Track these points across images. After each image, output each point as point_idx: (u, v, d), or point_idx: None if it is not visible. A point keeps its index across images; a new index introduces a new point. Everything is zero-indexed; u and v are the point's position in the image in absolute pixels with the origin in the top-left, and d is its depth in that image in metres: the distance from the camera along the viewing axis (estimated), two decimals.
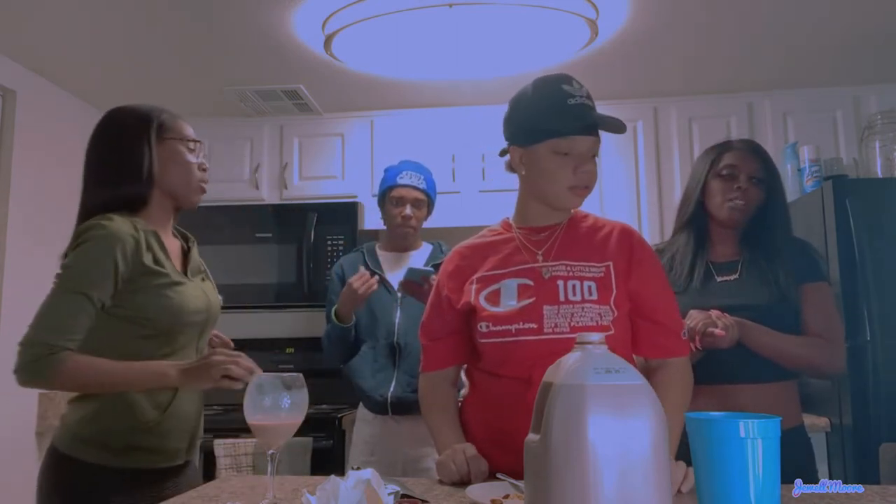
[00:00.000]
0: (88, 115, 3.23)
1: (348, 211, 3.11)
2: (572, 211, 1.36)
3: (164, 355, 1.28)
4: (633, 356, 1.29)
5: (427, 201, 2.16)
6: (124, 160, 1.33)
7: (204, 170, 1.41)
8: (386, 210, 2.18)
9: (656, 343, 1.27)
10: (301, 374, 1.06)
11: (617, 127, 1.24)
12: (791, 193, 2.87)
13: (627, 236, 1.31)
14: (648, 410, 0.69)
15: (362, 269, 2.09)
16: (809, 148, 2.83)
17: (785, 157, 2.94)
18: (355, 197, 3.23)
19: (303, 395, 1.04)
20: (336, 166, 3.29)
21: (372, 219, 3.11)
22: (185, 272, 1.37)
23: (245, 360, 1.19)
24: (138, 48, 2.64)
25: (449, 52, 2.67)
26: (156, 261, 1.30)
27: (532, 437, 0.74)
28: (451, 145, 3.14)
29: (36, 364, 1.17)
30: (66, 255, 1.27)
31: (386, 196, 2.17)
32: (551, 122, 1.23)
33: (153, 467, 1.28)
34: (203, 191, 1.41)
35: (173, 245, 1.41)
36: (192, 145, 1.39)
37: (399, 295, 2.13)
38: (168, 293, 1.28)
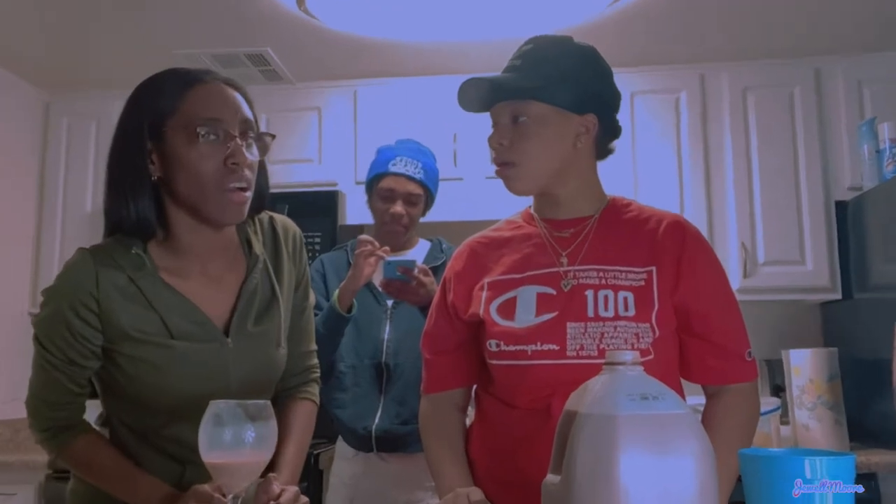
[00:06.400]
0: (24, 93, 3.26)
1: (326, 202, 3.11)
2: (609, 197, 1.36)
3: (168, 428, 1.24)
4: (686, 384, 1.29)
5: (424, 195, 2.15)
6: (122, 166, 1.21)
7: (237, 164, 1.17)
8: (373, 203, 2.17)
9: (710, 365, 1.27)
10: (269, 403, 1.06)
11: (505, 90, 1.27)
12: (868, 180, 2.88)
13: (678, 232, 1.30)
14: (693, 446, 0.69)
15: (360, 237, 2.04)
16: (890, 125, 2.82)
17: (861, 137, 2.93)
18: (335, 185, 3.23)
19: (270, 428, 1.04)
20: (311, 147, 3.29)
21: (355, 211, 3.10)
22: (225, 328, 1.25)
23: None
24: (75, 8, 2.63)
25: (449, 7, 2.66)
26: (136, 317, 1.19)
27: (551, 478, 0.74)
28: (452, 122, 3.12)
29: (47, 443, 1.26)
30: None
31: (374, 186, 2.16)
32: None
33: None
34: (238, 200, 1.18)
35: (211, 291, 1.26)
36: (203, 130, 1.16)
37: (389, 304, 2.12)
38: (146, 361, 1.20)
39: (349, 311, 2.02)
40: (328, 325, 2.02)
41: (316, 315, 2.04)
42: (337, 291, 2.01)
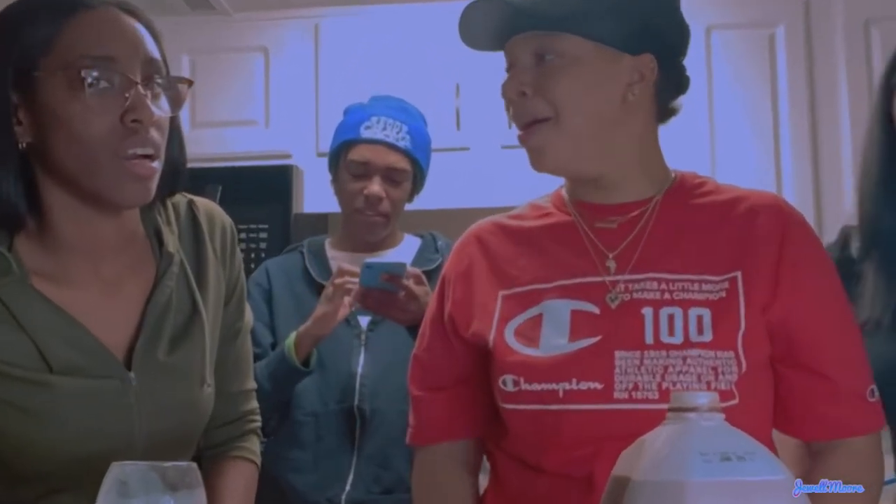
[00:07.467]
0: None
1: (276, 181, 3.13)
2: (675, 173, 1.36)
3: (48, 500, 1.23)
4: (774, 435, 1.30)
5: (411, 171, 2.16)
6: None
7: (140, 121, 1.15)
8: (341, 182, 2.18)
9: (822, 412, 1.26)
10: (194, 465, 1.06)
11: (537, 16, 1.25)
12: None
13: (777, 219, 1.29)
14: None
15: (340, 265, 2.01)
16: None
17: None
18: (288, 157, 3.25)
19: (196, 499, 1.04)
20: (255, 104, 3.31)
21: (317, 194, 3.10)
22: (127, 358, 1.24)
23: None
24: None
25: None
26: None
27: None
28: (453, 67, 3.15)
29: None
30: None
31: (341, 157, 2.17)
32: None
33: None
34: (141, 173, 1.17)
35: (106, 304, 1.26)
36: (90, 74, 1.14)
37: (364, 325, 2.13)
38: (13, 405, 1.18)
39: (307, 362, 2.01)
40: (275, 378, 2.01)
41: (256, 358, 1.96)
42: (293, 335, 2.00)
